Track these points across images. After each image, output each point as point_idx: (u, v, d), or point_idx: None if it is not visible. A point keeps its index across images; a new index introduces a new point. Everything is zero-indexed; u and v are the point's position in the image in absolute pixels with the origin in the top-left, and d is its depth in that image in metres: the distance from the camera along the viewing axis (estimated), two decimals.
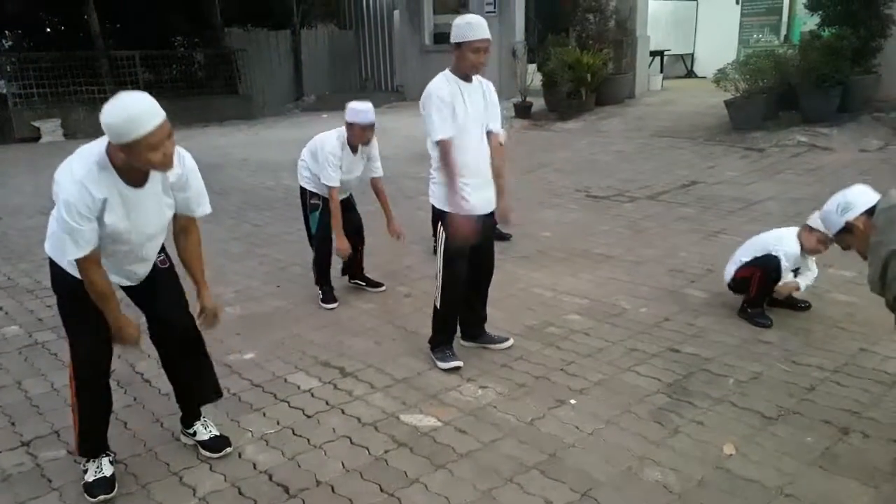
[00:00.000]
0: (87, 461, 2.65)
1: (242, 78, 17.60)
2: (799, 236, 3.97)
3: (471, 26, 3.31)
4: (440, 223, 3.47)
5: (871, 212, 2.54)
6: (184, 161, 2.52)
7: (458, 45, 3.34)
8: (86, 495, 2.57)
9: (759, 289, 3.96)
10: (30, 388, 3.50)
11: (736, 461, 2.70)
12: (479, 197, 3.43)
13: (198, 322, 2.76)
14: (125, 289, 2.70)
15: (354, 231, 4.62)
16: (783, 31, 16.07)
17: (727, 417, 3.02)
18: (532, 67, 13.83)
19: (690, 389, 3.26)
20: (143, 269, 2.66)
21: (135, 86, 15.60)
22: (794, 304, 4.15)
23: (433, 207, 3.54)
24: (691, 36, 17.59)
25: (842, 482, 2.55)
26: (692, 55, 17.78)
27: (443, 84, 3.36)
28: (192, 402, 2.91)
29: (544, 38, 13.78)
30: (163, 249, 2.75)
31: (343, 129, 4.37)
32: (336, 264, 4.67)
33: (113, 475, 2.63)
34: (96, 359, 2.59)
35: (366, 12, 20.37)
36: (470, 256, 3.48)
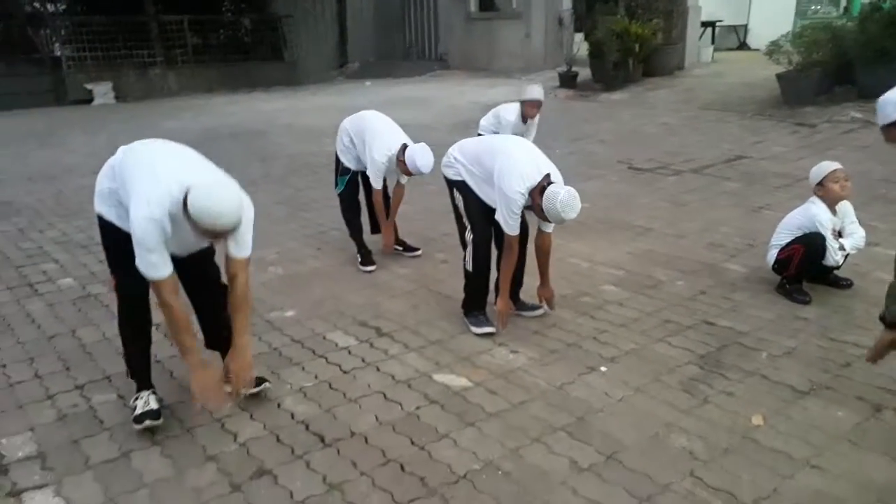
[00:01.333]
0: (136, 399, 2.82)
1: (288, 44, 17.73)
2: (821, 197, 3.91)
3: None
4: (455, 189, 3.58)
5: None
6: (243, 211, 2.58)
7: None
8: (134, 424, 2.76)
9: (799, 266, 3.91)
10: (83, 336, 3.69)
11: (764, 432, 2.71)
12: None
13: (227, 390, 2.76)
14: None
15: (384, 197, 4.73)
16: (843, 3, 15.44)
17: (758, 390, 3.02)
18: (579, 37, 13.62)
19: (723, 361, 3.27)
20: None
21: (183, 49, 15.88)
22: (836, 282, 4.08)
23: (447, 180, 3.65)
24: (745, 6, 17.01)
25: (871, 457, 2.55)
26: (745, 26, 17.22)
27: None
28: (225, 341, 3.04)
29: (592, 6, 13.53)
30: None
31: (395, 147, 4.41)
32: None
33: (159, 409, 2.81)
34: (138, 296, 2.80)
35: None
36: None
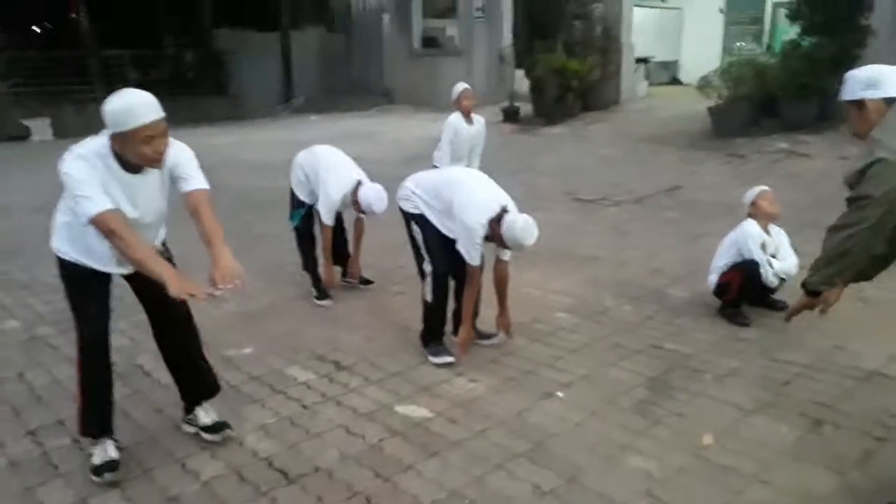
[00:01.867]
0: (94, 445, 2.76)
1: (232, 79, 17.65)
2: (751, 214, 4.20)
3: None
4: (412, 222, 3.68)
5: (891, 101, 2.29)
6: (175, 147, 2.58)
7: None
8: (92, 476, 2.69)
9: (739, 291, 4.12)
10: (33, 379, 3.60)
11: (714, 450, 2.85)
12: None
13: (218, 286, 2.49)
14: (125, 278, 2.81)
15: (338, 234, 4.80)
16: (765, 40, 16.40)
17: (706, 410, 3.17)
18: (520, 73, 14.03)
19: (671, 383, 3.42)
20: None
21: (125, 85, 15.52)
22: (773, 305, 4.31)
23: (404, 213, 3.73)
24: (676, 43, 17.89)
25: (813, 470, 2.70)
26: (677, 62, 18.08)
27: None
28: (193, 391, 3.02)
29: (531, 43, 13.97)
30: (164, 242, 2.87)
31: (350, 184, 4.50)
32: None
33: (118, 458, 2.75)
34: (99, 336, 2.72)
35: (355, 16, 20.49)
36: (457, 252, 3.62)
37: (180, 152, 2.62)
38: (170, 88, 16.66)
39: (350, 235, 4.88)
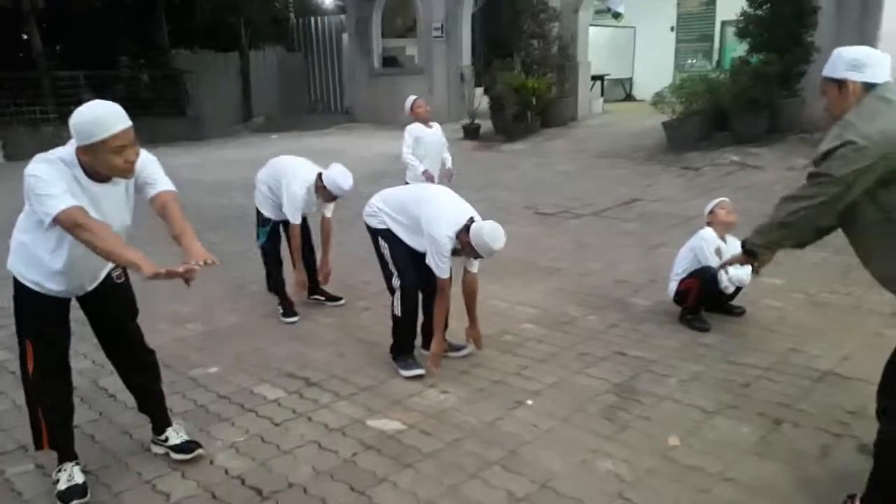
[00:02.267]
0: (58, 471, 2.70)
1: (190, 99, 17.48)
2: (708, 222, 4.36)
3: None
4: (379, 237, 3.70)
5: (870, 87, 2.27)
6: (140, 157, 2.53)
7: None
8: (58, 502, 2.62)
9: (697, 298, 4.24)
10: None
11: (681, 451, 2.92)
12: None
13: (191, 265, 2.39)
14: (79, 301, 2.76)
15: (305, 244, 4.78)
16: (715, 57, 16.94)
17: (671, 412, 3.25)
18: (479, 91, 14.21)
19: (637, 388, 3.49)
20: (96, 275, 2.71)
21: (78, 106, 15.33)
22: (731, 311, 4.45)
23: (371, 229, 3.76)
24: (629, 61, 18.34)
25: (775, 467, 2.80)
26: (630, 79, 18.52)
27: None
28: (159, 409, 2.98)
29: (490, 62, 14.19)
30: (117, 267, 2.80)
31: (312, 178, 4.52)
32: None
33: (85, 482, 2.69)
34: (60, 359, 2.68)
35: (314, 35, 20.55)
36: (424, 266, 3.66)
37: (145, 160, 2.59)
38: (126, 109, 16.40)
39: (318, 246, 4.87)
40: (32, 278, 2.58)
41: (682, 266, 4.37)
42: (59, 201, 2.31)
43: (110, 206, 2.52)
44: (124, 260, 2.35)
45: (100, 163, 2.39)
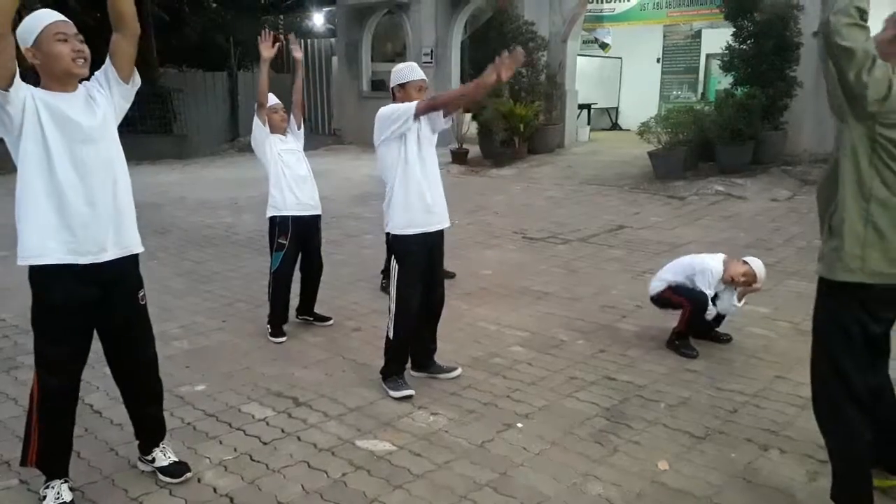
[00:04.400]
0: (46, 487, 2.65)
1: (177, 117, 17.46)
2: (725, 262, 4.31)
3: (412, 68, 3.74)
4: (393, 256, 3.66)
5: None
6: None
7: (403, 85, 3.69)
8: None
9: (687, 324, 4.28)
10: None
11: (670, 475, 2.94)
12: (433, 213, 3.69)
13: None
14: (98, 325, 2.68)
15: (313, 266, 4.79)
16: (700, 89, 17.25)
17: (660, 437, 3.27)
18: (467, 116, 14.34)
19: (626, 413, 3.51)
20: (104, 229, 2.56)
21: None
22: (718, 338, 4.49)
23: (388, 235, 3.72)
24: (616, 91, 18.62)
25: (762, 492, 2.82)
26: (617, 109, 18.78)
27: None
28: (154, 435, 2.94)
29: None
30: (142, 286, 2.77)
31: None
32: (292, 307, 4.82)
33: (72, 501, 2.64)
34: (68, 385, 2.62)
35: (304, 57, 20.66)
36: (422, 289, 3.68)
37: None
38: None
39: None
40: (37, 245, 2.45)
41: (671, 274, 4.39)
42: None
43: (76, 111, 2.52)
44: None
45: (51, 59, 2.42)
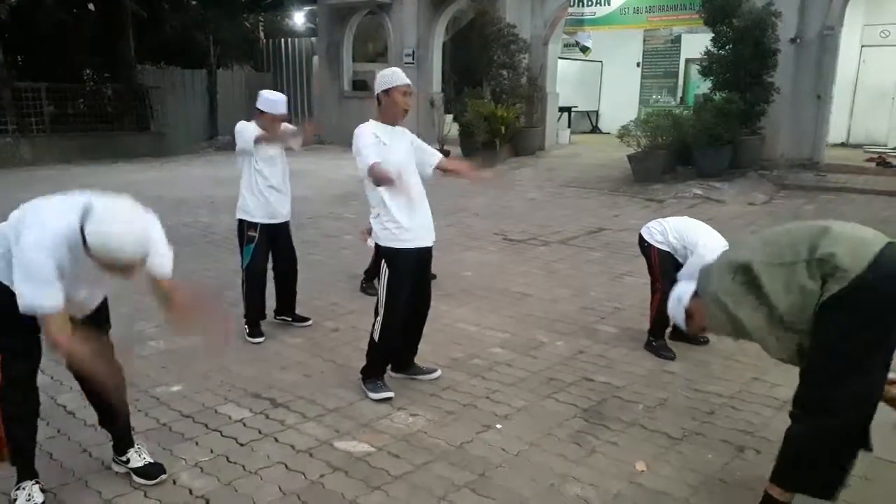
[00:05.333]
0: (17, 489, 2.61)
1: (155, 115, 17.27)
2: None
3: (396, 73, 3.63)
4: (383, 261, 3.64)
5: (696, 293, 2.72)
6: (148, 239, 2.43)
7: (387, 91, 3.59)
8: None
9: (657, 315, 4.28)
10: None
11: (647, 476, 2.95)
12: (418, 230, 3.64)
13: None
14: None
15: (286, 261, 4.73)
16: (679, 94, 17.43)
17: (638, 438, 3.29)
18: (449, 118, 14.35)
19: (604, 414, 3.53)
20: (81, 312, 2.65)
21: (39, 119, 15.05)
22: (695, 340, 4.52)
23: (377, 247, 3.69)
24: (596, 94, 18.76)
25: (738, 492, 2.85)
26: (597, 112, 18.93)
27: (372, 126, 3.58)
28: (122, 429, 2.90)
29: (461, 90, 14.38)
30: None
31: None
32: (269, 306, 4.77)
33: (44, 503, 2.59)
34: (25, 379, 2.58)
35: (284, 56, 20.56)
36: (412, 292, 3.66)
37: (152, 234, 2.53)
38: (88, 123, 16.20)
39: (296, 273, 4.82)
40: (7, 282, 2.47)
41: (675, 236, 4.29)
42: (45, 300, 2.29)
43: (102, 276, 2.50)
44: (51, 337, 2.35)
45: (104, 269, 2.37)
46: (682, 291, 2.82)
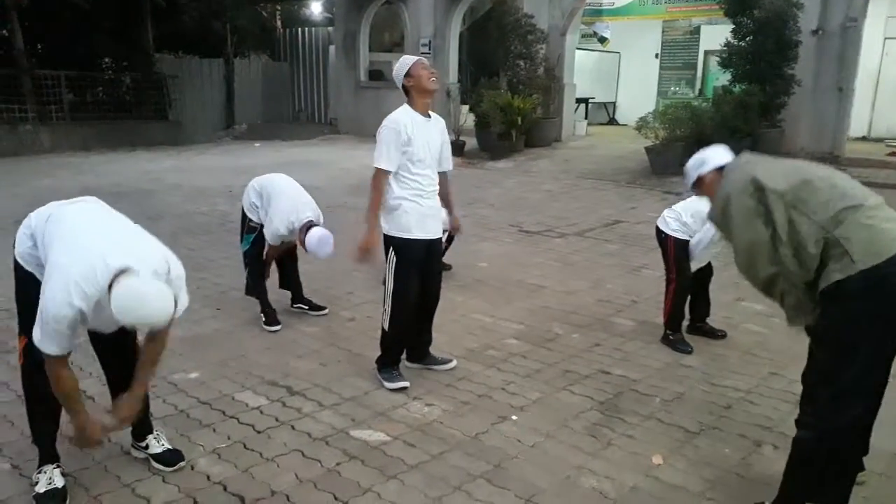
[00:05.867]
0: (38, 472, 2.64)
1: (173, 104, 17.36)
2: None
3: (405, 58, 3.68)
4: (391, 248, 3.64)
5: (721, 168, 2.71)
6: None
7: (408, 73, 3.58)
8: None
9: (672, 308, 4.29)
10: None
11: (664, 470, 2.94)
12: (428, 221, 3.64)
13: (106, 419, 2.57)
14: None
15: (288, 254, 4.78)
16: (698, 85, 17.25)
17: (655, 432, 3.27)
18: (465, 108, 14.30)
19: (621, 407, 3.52)
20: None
21: (59, 107, 15.17)
22: (713, 333, 4.50)
23: (385, 236, 3.68)
24: (613, 85, 18.61)
25: (755, 487, 2.82)
26: (614, 103, 18.79)
27: (403, 116, 3.55)
28: (142, 416, 2.92)
29: (477, 80, 14.31)
30: None
31: (296, 220, 4.40)
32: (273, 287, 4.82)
33: (65, 486, 2.63)
34: None
35: (301, 45, 20.56)
36: (420, 282, 3.66)
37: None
38: (107, 111, 16.31)
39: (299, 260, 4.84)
40: (38, 273, 2.50)
41: (672, 223, 4.31)
42: (55, 347, 2.32)
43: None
44: (73, 417, 2.45)
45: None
46: (709, 157, 2.79)
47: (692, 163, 2.86)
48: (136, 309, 2.21)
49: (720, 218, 2.55)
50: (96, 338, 2.78)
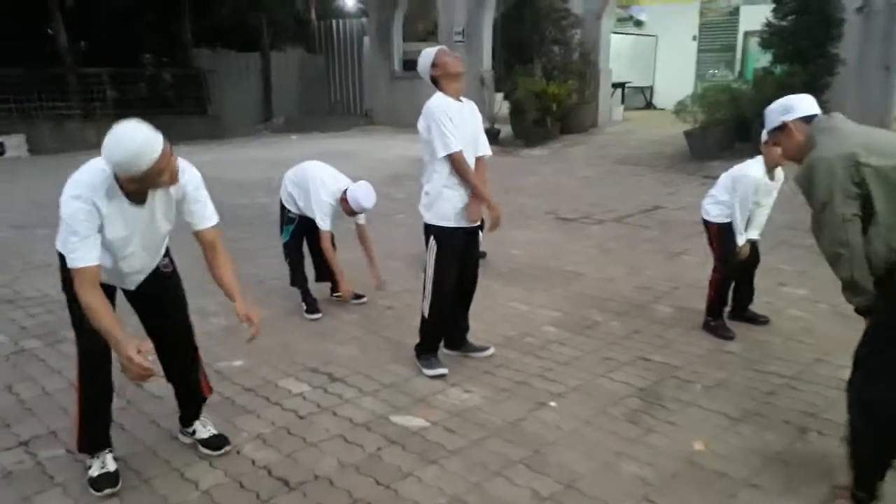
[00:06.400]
0: (91, 457, 2.74)
1: (211, 98, 17.65)
2: (763, 152, 4.11)
3: (426, 52, 3.67)
4: (432, 237, 3.66)
5: (808, 119, 2.59)
6: (183, 174, 2.58)
7: (434, 64, 3.60)
8: (91, 490, 2.66)
9: (715, 296, 4.25)
10: (21, 391, 3.55)
11: (706, 456, 2.92)
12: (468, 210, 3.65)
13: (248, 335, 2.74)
14: (126, 293, 2.81)
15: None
16: (737, 67, 16.86)
17: (696, 418, 3.24)
18: (499, 96, 14.22)
19: (661, 394, 3.49)
20: (140, 277, 2.76)
21: (102, 104, 15.55)
22: (755, 319, 4.43)
23: (426, 225, 3.70)
24: (650, 69, 18.28)
25: (801, 473, 2.79)
26: (651, 88, 18.46)
27: (443, 103, 3.55)
28: (192, 402, 3.01)
29: (511, 67, 14.20)
30: (167, 254, 2.87)
31: (338, 190, 4.56)
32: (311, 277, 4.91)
33: (117, 470, 2.72)
34: (99, 348, 2.64)
35: (336, 37, 20.67)
36: (459, 269, 3.68)
37: (188, 182, 2.61)
38: (148, 107, 16.64)
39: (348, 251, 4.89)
40: None
41: (719, 193, 4.32)
42: (81, 255, 2.37)
43: (147, 223, 2.58)
44: (111, 338, 2.38)
45: (147, 186, 2.45)
46: (797, 104, 2.64)
47: (776, 107, 2.68)
48: (115, 144, 2.29)
49: (805, 182, 2.42)
50: (151, 324, 2.85)
